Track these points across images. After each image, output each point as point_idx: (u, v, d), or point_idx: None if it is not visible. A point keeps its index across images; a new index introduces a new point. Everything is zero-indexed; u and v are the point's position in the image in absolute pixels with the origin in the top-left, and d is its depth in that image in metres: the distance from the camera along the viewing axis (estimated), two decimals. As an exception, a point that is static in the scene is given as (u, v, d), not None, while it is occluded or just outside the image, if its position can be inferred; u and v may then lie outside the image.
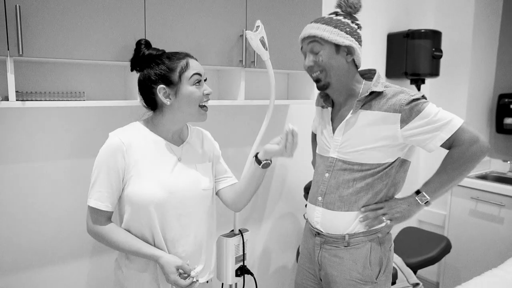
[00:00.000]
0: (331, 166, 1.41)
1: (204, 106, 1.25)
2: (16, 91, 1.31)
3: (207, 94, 1.24)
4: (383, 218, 1.36)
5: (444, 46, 2.69)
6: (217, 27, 1.61)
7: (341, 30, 1.33)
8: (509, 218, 2.51)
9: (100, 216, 1.21)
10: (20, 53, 1.19)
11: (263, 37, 1.56)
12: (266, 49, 1.58)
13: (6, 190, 1.48)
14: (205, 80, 1.26)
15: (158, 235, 1.22)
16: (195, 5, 1.54)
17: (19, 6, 1.17)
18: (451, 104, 2.92)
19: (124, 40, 1.39)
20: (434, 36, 2.61)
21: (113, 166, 1.18)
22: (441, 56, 2.62)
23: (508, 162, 2.92)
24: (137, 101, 1.52)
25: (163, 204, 1.21)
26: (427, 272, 3.00)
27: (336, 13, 1.38)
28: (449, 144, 1.32)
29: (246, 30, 1.65)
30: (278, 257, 2.39)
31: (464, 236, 2.75)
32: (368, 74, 1.45)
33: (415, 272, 2.24)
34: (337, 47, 1.34)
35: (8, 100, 1.25)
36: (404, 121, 1.29)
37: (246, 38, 1.64)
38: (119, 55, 1.39)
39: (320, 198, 1.42)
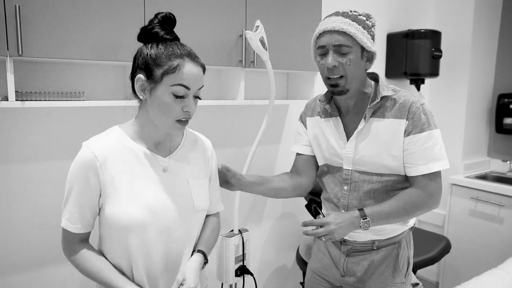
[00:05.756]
0: (347, 178, 1.33)
1: (182, 120, 1.02)
2: (15, 91, 1.31)
3: (187, 112, 1.01)
4: (323, 238, 1.24)
5: (443, 46, 2.69)
6: (217, 27, 1.61)
7: (368, 33, 1.22)
8: (509, 218, 2.51)
9: (71, 238, 1.04)
10: (20, 53, 1.19)
11: (262, 37, 1.56)
12: (266, 49, 1.58)
13: (6, 190, 1.48)
14: (199, 88, 1.03)
15: (137, 268, 1.03)
16: (194, 5, 1.54)
17: (19, 6, 1.17)
18: (450, 104, 2.92)
19: (123, 40, 1.39)
20: (434, 36, 2.61)
21: (84, 185, 1.01)
22: (440, 56, 2.62)
23: (508, 162, 2.92)
24: (136, 101, 1.52)
25: (145, 228, 1.01)
26: (427, 272, 3.00)
27: (355, 11, 1.26)
28: (412, 180, 1.27)
29: (245, 30, 1.65)
30: (278, 257, 2.39)
31: (463, 236, 2.75)
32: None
33: (414, 272, 2.24)
34: (363, 51, 1.22)
35: (7, 100, 1.25)
36: (406, 131, 1.24)
37: (245, 38, 1.64)
38: (118, 55, 1.39)
39: (343, 211, 1.33)
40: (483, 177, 2.85)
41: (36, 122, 1.51)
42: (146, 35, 1.02)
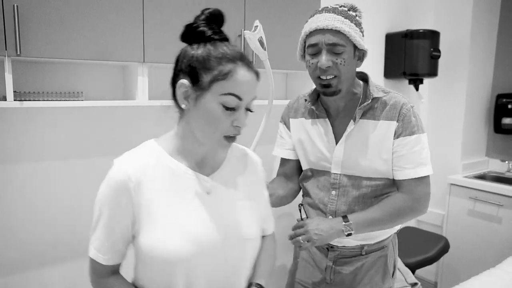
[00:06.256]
0: (336, 182, 1.28)
1: (231, 137, 0.89)
2: (14, 91, 1.31)
3: (237, 127, 0.87)
4: (300, 239, 1.20)
5: (442, 46, 2.70)
6: (216, 27, 1.61)
7: (360, 30, 1.17)
8: (507, 218, 2.52)
9: (101, 269, 0.92)
10: (18, 53, 1.19)
11: (261, 37, 1.56)
12: (265, 49, 1.58)
13: (4, 190, 1.47)
14: (252, 99, 0.88)
15: None
16: (193, 5, 1.54)
17: (17, 6, 1.17)
18: (449, 104, 2.92)
19: (122, 40, 1.39)
20: (433, 36, 2.61)
21: (116, 210, 0.87)
22: (439, 56, 2.63)
23: (506, 162, 2.93)
24: (135, 101, 1.52)
25: (187, 262, 0.86)
26: (426, 271, 3.00)
27: (344, 6, 1.18)
28: (399, 184, 1.24)
29: (244, 30, 1.65)
30: (277, 257, 2.38)
31: (462, 236, 2.76)
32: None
33: (413, 272, 2.24)
34: (355, 50, 1.17)
35: (6, 100, 1.25)
36: (396, 133, 1.21)
37: (244, 38, 1.64)
38: (117, 55, 1.39)
39: (331, 217, 1.28)
40: (481, 177, 2.85)
41: (34, 122, 1.51)
42: (190, 34, 0.88)
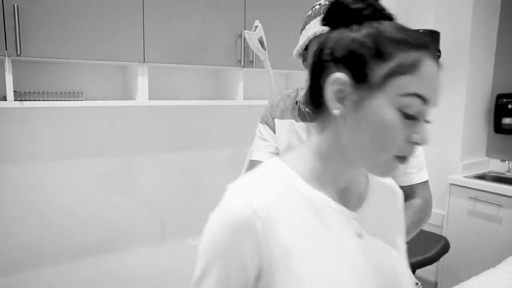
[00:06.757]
0: None
1: (403, 157, 0.60)
2: (14, 91, 1.31)
3: (414, 144, 0.59)
4: None
5: (442, 46, 2.70)
6: (216, 27, 1.61)
7: None
8: (507, 218, 2.52)
9: None
10: (18, 53, 1.19)
11: (261, 37, 1.56)
12: (265, 49, 1.58)
13: (4, 190, 1.47)
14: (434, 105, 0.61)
15: None
16: (193, 5, 1.54)
17: (17, 6, 1.17)
18: (449, 104, 2.92)
19: (122, 40, 1.39)
20: (433, 36, 2.62)
21: (236, 261, 0.58)
22: (439, 56, 2.62)
23: (506, 162, 2.93)
24: (135, 101, 1.52)
25: None
26: (426, 271, 3.00)
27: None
28: (409, 191, 1.20)
29: (244, 30, 1.65)
30: None
31: (462, 236, 2.75)
32: None
33: (413, 272, 2.24)
34: None
35: (6, 100, 1.25)
36: None
37: (244, 38, 1.64)
38: (117, 55, 1.39)
39: None
40: (481, 177, 2.85)
41: (34, 122, 1.51)
42: (339, 15, 0.61)
